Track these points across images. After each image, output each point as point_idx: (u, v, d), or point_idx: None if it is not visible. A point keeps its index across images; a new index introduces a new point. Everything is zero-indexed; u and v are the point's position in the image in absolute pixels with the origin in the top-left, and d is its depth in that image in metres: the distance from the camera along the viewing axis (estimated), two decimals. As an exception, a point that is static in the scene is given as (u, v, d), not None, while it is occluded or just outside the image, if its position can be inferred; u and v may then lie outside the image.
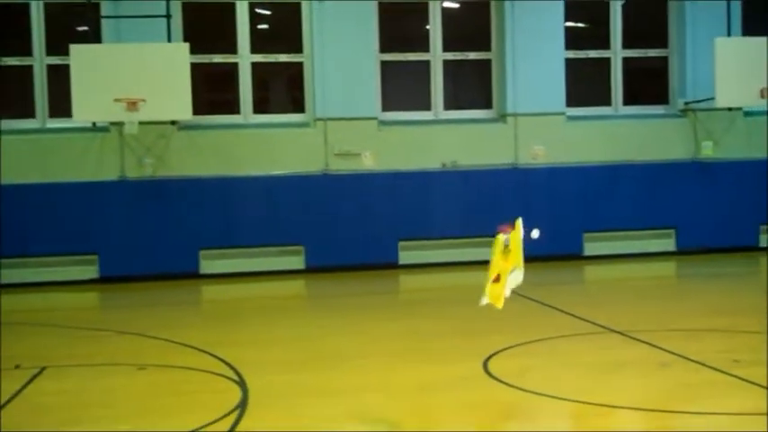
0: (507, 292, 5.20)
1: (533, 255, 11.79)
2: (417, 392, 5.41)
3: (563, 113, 12.01)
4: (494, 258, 5.33)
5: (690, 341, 6.54)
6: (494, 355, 6.23)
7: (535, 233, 5.49)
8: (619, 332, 6.94)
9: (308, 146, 11.47)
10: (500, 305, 5.09)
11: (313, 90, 11.56)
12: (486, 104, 12.22)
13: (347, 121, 11.52)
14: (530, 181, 11.80)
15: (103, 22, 10.99)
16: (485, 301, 5.30)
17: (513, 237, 5.38)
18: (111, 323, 8.25)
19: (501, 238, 5.42)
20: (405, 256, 11.61)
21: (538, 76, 11.86)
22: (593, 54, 12.39)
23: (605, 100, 12.39)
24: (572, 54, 12.17)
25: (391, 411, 5.06)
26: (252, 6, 11.64)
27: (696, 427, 4.54)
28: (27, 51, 11.15)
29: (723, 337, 6.71)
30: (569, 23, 12.18)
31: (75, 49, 10.30)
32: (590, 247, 11.91)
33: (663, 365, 5.82)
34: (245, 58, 11.59)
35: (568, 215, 11.74)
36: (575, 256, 11.78)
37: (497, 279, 5.29)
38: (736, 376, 5.37)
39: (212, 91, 12.06)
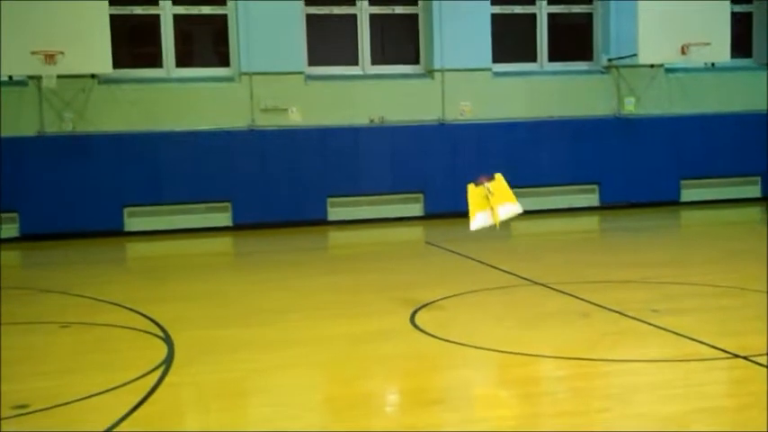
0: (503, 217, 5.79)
1: (460, 210, 12.01)
2: (346, 344, 5.44)
3: (489, 69, 12.08)
4: (471, 203, 5.90)
5: (611, 292, 6.71)
6: (420, 308, 6.29)
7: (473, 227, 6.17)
8: (542, 284, 7.08)
9: (234, 101, 11.33)
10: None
11: (237, 44, 11.38)
12: (414, 60, 12.21)
13: (273, 76, 11.40)
14: (457, 136, 11.88)
15: (19, -29, 10.61)
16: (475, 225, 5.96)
17: (497, 183, 5.96)
18: (34, 281, 8.08)
19: (480, 187, 5.98)
20: (334, 213, 11.62)
21: (465, 32, 11.90)
22: (518, 10, 12.45)
23: (531, 56, 12.49)
24: (498, 9, 12.21)
25: (319, 363, 5.09)
26: (174, -44, 11.37)
27: (617, 375, 4.68)
28: (-63, 1, 10.71)
29: (643, 288, 6.89)
30: (496, -23, 12.21)
31: (-11, -1, 9.95)
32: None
33: (584, 315, 5.96)
34: (166, 10, 11.34)
35: (494, 171, 11.78)
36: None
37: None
38: (654, 325, 5.54)
39: (134, 44, 11.78)
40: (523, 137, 12.04)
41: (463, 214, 11.49)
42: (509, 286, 7.15)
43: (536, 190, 12.10)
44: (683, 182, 12.54)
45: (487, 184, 6.16)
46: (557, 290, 6.84)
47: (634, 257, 8.55)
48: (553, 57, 12.55)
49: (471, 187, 6.24)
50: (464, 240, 10.00)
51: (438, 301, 6.57)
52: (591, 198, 12.34)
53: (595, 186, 12.32)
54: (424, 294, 6.74)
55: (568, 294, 6.63)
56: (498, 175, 6.13)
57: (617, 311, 5.97)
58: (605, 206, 12.30)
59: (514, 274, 7.55)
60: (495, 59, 12.14)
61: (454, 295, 6.77)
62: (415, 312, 6.15)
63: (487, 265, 8.18)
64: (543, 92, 12.20)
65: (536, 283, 7.17)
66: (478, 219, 6.32)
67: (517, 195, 11.80)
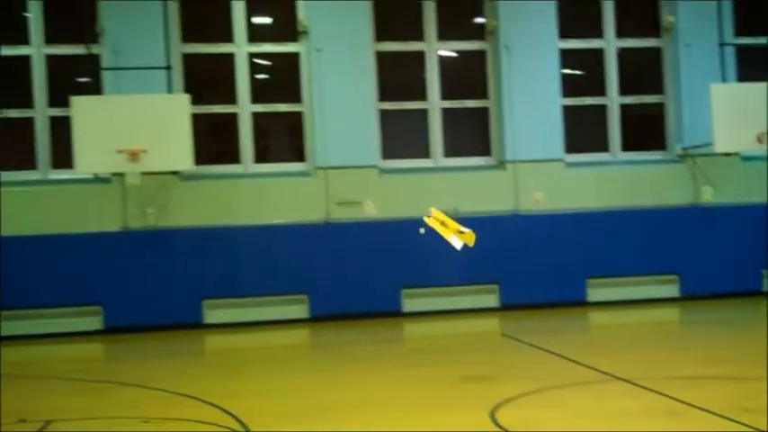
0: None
1: (538, 302, 11.94)
2: (426, 443, 5.37)
3: (562, 160, 12.09)
4: (442, 230, 5.89)
5: (696, 389, 6.51)
6: (500, 404, 6.18)
7: (421, 230, 6.08)
8: (625, 380, 6.91)
9: (309, 195, 11.52)
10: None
11: (313, 139, 11.64)
12: (485, 152, 12.30)
13: (348, 170, 11.59)
14: (530, 227, 11.84)
15: (104, 73, 11.11)
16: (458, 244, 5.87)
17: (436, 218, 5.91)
18: (116, 375, 8.20)
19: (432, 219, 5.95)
20: (408, 304, 11.60)
21: (536, 124, 11.98)
22: (589, 101, 12.51)
23: (603, 146, 12.48)
24: (569, 101, 12.29)
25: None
26: (251, 56, 11.77)
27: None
28: (29, 103, 11.25)
29: (730, 384, 6.68)
30: (566, 71, 12.32)
31: (76, 100, 10.39)
32: (593, 294, 11.90)
33: (670, 415, 5.78)
34: (244, 108, 11.69)
35: (570, 261, 11.77)
36: (578, 302, 11.78)
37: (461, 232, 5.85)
38: (745, 425, 5.34)
39: (213, 141, 12.14)
40: (598, 227, 11.94)
41: (540, 306, 11.51)
42: (591, 382, 6.99)
43: (612, 280, 11.94)
44: (764, 271, 12.22)
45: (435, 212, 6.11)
46: (640, 386, 6.66)
47: (718, 351, 8.31)
48: (626, 146, 12.52)
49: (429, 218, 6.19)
50: (541, 333, 9.89)
51: (518, 397, 6.45)
52: (671, 288, 12.09)
53: (675, 276, 12.08)
54: (502, 390, 6.63)
55: (653, 391, 6.45)
56: (432, 210, 6.05)
57: (705, 409, 5.78)
58: (685, 297, 12.03)
59: (595, 369, 7.39)
60: (568, 150, 12.16)
61: (534, 391, 6.65)
62: (494, 409, 6.05)
63: (566, 358, 8.03)
64: (617, 182, 12.13)
65: (618, 378, 7.00)
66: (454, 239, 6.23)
67: (595, 286, 11.85)
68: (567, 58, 12.34)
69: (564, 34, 12.25)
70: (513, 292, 11.71)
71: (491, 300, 11.79)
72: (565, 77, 12.29)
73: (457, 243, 6.21)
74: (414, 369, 7.98)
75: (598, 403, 6.36)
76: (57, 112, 11.17)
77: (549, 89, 12.13)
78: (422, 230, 6.11)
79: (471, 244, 6.10)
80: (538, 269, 11.75)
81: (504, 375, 7.48)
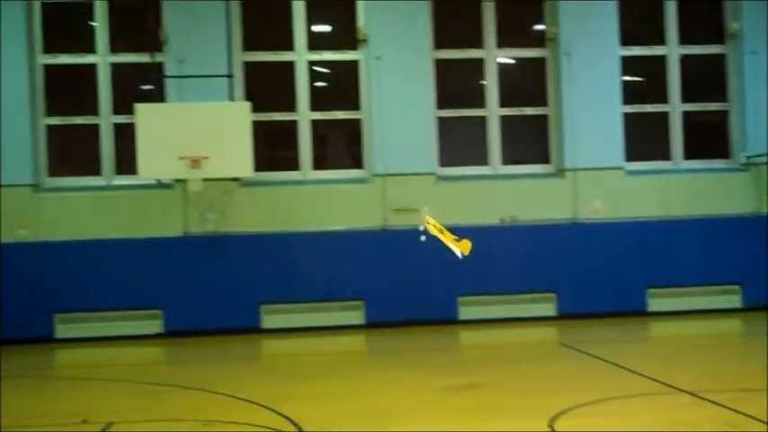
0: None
1: (596, 311, 11.80)
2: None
3: (622, 168, 11.96)
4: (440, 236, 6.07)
5: (759, 402, 6.37)
6: (559, 414, 6.14)
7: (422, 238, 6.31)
8: (686, 391, 6.80)
9: (367, 202, 11.57)
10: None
11: (371, 146, 11.70)
12: (544, 159, 12.22)
13: (405, 177, 11.61)
14: (590, 236, 11.72)
15: (167, 81, 11.31)
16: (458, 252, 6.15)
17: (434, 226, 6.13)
18: (176, 378, 8.34)
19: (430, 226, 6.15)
20: (464, 312, 11.57)
21: (596, 131, 11.87)
22: (650, 108, 12.35)
23: (665, 154, 12.30)
24: (629, 109, 12.15)
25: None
26: (311, 64, 11.88)
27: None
28: (94, 110, 11.51)
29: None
30: (626, 78, 12.19)
31: (140, 108, 10.58)
32: (654, 303, 11.73)
33: (731, 427, 5.68)
34: (304, 116, 11.79)
35: (630, 271, 11.62)
36: (638, 312, 11.62)
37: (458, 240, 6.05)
38: (812, 439, 5.23)
39: (272, 148, 12.26)
40: (659, 236, 11.76)
41: (598, 315, 11.39)
42: (651, 393, 6.89)
43: (673, 290, 11.75)
44: (831, 282, 11.91)
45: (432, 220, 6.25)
46: (701, 397, 6.55)
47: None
48: (688, 154, 12.32)
49: (427, 224, 6.34)
50: (600, 342, 9.79)
51: (576, 408, 6.40)
52: (732, 299, 11.85)
53: (737, 287, 11.84)
54: (561, 399, 6.58)
55: (714, 403, 6.34)
56: (427, 217, 6.17)
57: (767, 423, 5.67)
58: (748, 307, 11.78)
59: (656, 380, 7.29)
60: (629, 158, 12.01)
61: (593, 402, 6.59)
62: (553, 419, 6.00)
63: (626, 369, 7.94)
64: (679, 190, 11.94)
65: (679, 389, 6.89)
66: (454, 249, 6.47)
67: (655, 295, 11.67)
68: (629, 64, 12.20)
69: (625, 41, 12.11)
70: (570, 301, 11.60)
71: (548, 308, 11.70)
72: (626, 84, 12.15)
73: (457, 251, 6.39)
74: (470, 377, 7.96)
75: (659, 414, 6.28)
76: (121, 119, 11.40)
77: (610, 96, 12.00)
78: (422, 238, 6.31)
79: (467, 253, 6.34)
80: (597, 278, 11.62)
81: (563, 385, 7.42)
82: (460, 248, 6.38)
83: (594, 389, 7.06)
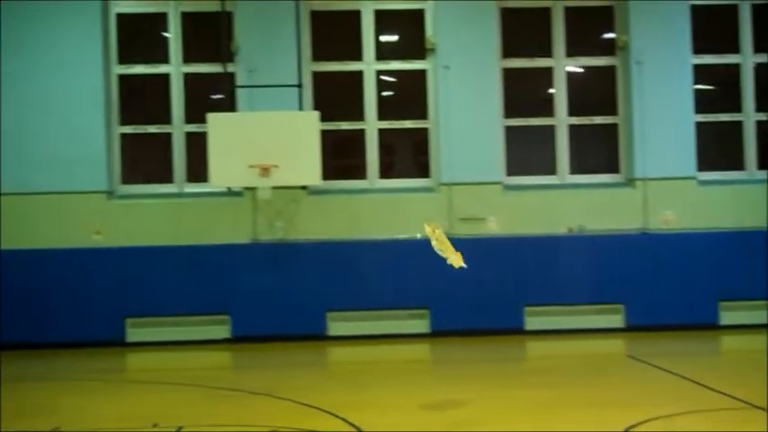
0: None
1: (665, 323, 11.61)
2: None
3: (694, 178, 11.74)
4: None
5: (838, 420, 6.20)
6: (630, 429, 6.04)
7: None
8: (760, 408, 6.64)
9: (433, 210, 11.55)
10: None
11: (438, 155, 11.71)
12: (613, 168, 12.07)
13: (472, 186, 11.59)
14: (660, 247, 11.53)
15: (238, 91, 11.50)
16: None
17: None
18: (243, 383, 8.44)
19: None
20: (531, 322, 11.48)
21: (667, 140, 11.68)
22: (724, 117, 12.11)
23: (738, 164, 12.05)
24: (702, 118, 11.93)
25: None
26: (378, 74, 11.95)
27: None
28: (167, 120, 11.75)
29: None
30: (698, 86, 11.98)
31: (212, 117, 10.77)
32: (725, 317, 11.48)
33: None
34: (371, 125, 11.86)
35: (702, 283, 11.39)
36: (710, 325, 11.39)
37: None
38: None
39: (340, 156, 12.36)
40: (731, 247, 11.50)
41: (667, 328, 11.19)
42: (724, 408, 6.75)
43: (745, 303, 11.47)
44: None
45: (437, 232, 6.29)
46: (777, 415, 6.39)
47: None
48: (762, 164, 12.03)
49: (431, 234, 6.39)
50: (670, 356, 9.62)
51: (647, 422, 6.29)
52: (812, 314, 11.53)
53: (814, 301, 11.53)
54: (631, 414, 6.48)
55: (791, 421, 6.18)
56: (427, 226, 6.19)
57: None
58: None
59: (729, 395, 7.13)
60: (701, 167, 11.79)
61: (663, 417, 6.47)
62: (623, 433, 5.92)
63: (698, 383, 7.78)
64: (752, 201, 11.66)
65: (752, 405, 6.73)
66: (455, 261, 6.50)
67: (727, 309, 11.42)
68: (701, 73, 11.99)
69: (698, 49, 11.90)
70: (639, 313, 11.43)
71: (616, 320, 11.53)
72: (698, 93, 11.93)
73: (456, 262, 6.44)
74: (536, 389, 7.89)
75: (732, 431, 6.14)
76: (193, 128, 11.62)
77: (682, 105, 11.80)
78: (419, 235, 6.56)
79: (457, 266, 6.45)
80: (666, 290, 11.42)
81: (632, 399, 7.31)
82: (458, 261, 6.55)
83: (664, 403, 6.94)
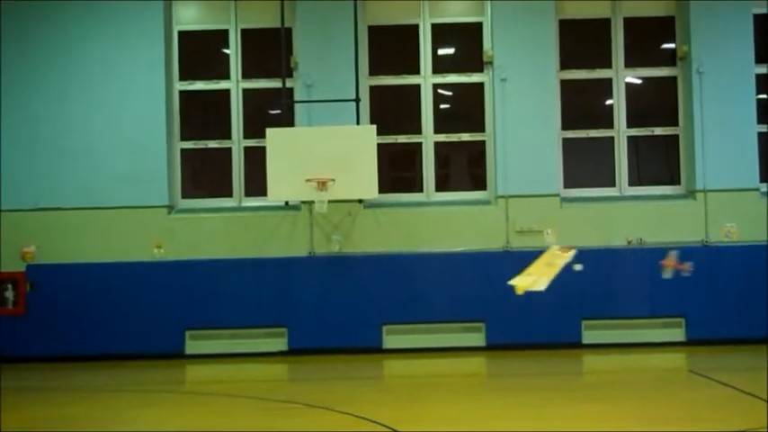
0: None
1: (727, 337, 11.39)
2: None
3: (757, 189, 11.51)
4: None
5: None
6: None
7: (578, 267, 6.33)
8: (827, 426, 6.47)
9: (490, 223, 11.53)
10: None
11: (494, 168, 11.67)
12: (673, 180, 11.91)
13: (529, 198, 11.53)
14: (722, 259, 11.31)
15: (296, 106, 11.63)
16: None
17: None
18: (300, 396, 8.49)
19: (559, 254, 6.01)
20: (588, 336, 11.36)
21: (729, 151, 11.49)
22: (788, 127, 11.86)
23: (805, 175, 11.78)
24: (764, 128, 11.70)
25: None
26: (435, 87, 11.97)
27: None
28: (226, 135, 11.93)
29: None
30: (761, 96, 11.75)
31: (270, 132, 10.90)
32: (790, 331, 11.22)
33: None
34: (428, 138, 11.88)
35: (763, 296, 11.13)
36: (772, 339, 11.16)
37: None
38: None
39: (396, 169, 12.40)
40: (796, 260, 11.25)
41: (730, 342, 10.96)
42: (788, 426, 6.58)
43: (811, 317, 11.19)
44: None
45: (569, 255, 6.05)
46: (844, 433, 6.21)
47: None
48: (829, 176, 11.75)
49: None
50: (732, 370, 9.42)
51: (708, 438, 6.18)
52: None
53: None
54: (692, 430, 6.37)
55: None
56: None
57: None
58: None
59: (793, 413, 6.95)
60: (763, 179, 11.56)
61: (726, 433, 6.35)
62: (681, 450, 5.82)
63: (760, 398, 7.60)
64: (818, 212, 11.39)
65: (819, 423, 6.56)
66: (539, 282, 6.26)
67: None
68: (764, 82, 11.76)
69: (761, 58, 11.68)
70: (700, 327, 11.22)
71: (677, 334, 11.34)
72: (761, 103, 11.70)
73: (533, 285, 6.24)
74: (595, 404, 7.80)
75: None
76: (252, 142, 11.78)
77: (745, 115, 11.59)
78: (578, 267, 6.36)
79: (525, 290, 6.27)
80: (728, 303, 11.20)
81: (694, 415, 7.17)
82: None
83: (728, 419, 6.80)
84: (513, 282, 6.34)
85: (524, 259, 11.27)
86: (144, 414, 7.88)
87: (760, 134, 11.64)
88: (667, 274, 6.98)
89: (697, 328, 11.25)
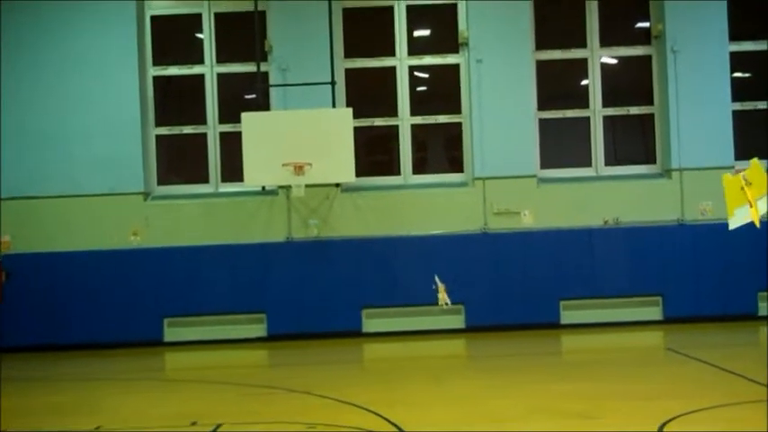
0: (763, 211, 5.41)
1: (704, 315, 11.44)
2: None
3: (732, 167, 11.56)
4: (728, 197, 5.51)
5: None
6: (669, 421, 5.98)
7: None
8: (803, 399, 6.54)
9: (467, 205, 11.54)
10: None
11: (471, 149, 11.66)
12: (649, 159, 11.95)
13: (506, 180, 11.54)
14: (698, 238, 11.39)
15: (272, 90, 11.55)
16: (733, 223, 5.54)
17: (754, 171, 5.48)
18: (280, 381, 8.48)
19: (736, 177, 5.59)
20: (567, 316, 11.41)
21: (704, 130, 11.54)
22: (762, 105, 11.92)
23: (779, 152, 11.85)
24: (739, 106, 11.76)
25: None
26: (412, 69, 11.93)
27: None
28: (201, 120, 11.83)
29: None
30: (736, 74, 11.80)
31: (246, 116, 10.82)
32: (765, 308, 11.31)
33: None
34: (404, 121, 11.85)
35: (740, 274, 11.23)
36: (749, 316, 11.24)
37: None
38: None
39: (373, 153, 12.37)
40: (771, 237, 11.34)
41: (706, 319, 11.06)
42: (764, 401, 6.64)
43: (787, 293, 11.31)
44: None
45: (743, 173, 5.62)
46: (820, 406, 6.28)
47: None
48: (802, 152, 11.83)
49: (727, 178, 5.70)
50: (709, 347, 9.51)
51: (687, 414, 6.22)
52: None
53: None
54: (670, 407, 6.42)
55: (834, 412, 6.07)
56: (755, 162, 5.45)
57: None
58: None
59: (769, 387, 7.03)
60: (739, 157, 11.62)
61: (704, 408, 6.40)
62: (663, 426, 5.86)
63: (737, 374, 7.68)
64: (793, 190, 11.46)
65: (794, 397, 6.63)
66: (737, 216, 5.79)
67: (765, 299, 11.24)
68: (738, 60, 11.81)
69: (735, 36, 11.72)
70: (677, 305, 11.31)
71: (654, 312, 11.42)
72: (736, 81, 11.75)
73: (739, 218, 5.81)
74: (573, 383, 7.85)
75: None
76: (227, 128, 11.70)
77: (719, 94, 11.65)
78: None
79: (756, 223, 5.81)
80: (705, 281, 11.29)
81: (672, 391, 7.24)
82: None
83: (705, 395, 6.87)
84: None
85: (502, 241, 11.43)
86: (123, 402, 7.84)
87: (734, 112, 11.70)
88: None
89: (674, 306, 11.34)
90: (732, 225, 5.63)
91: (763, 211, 5.48)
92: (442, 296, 7.30)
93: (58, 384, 8.93)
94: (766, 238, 11.27)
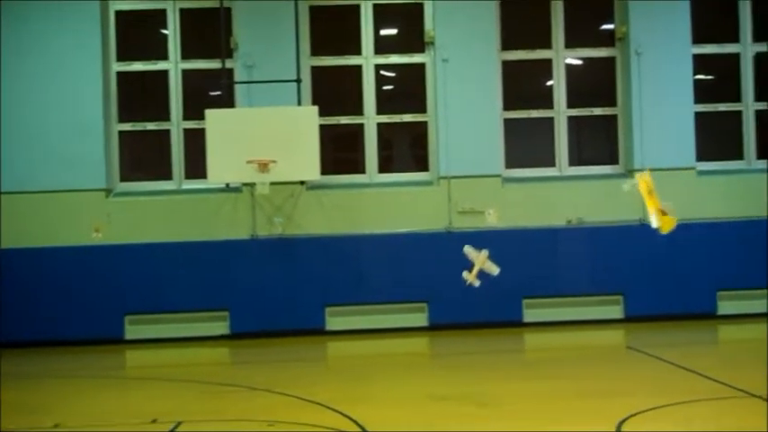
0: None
1: (664, 314, 11.58)
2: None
3: (693, 168, 11.72)
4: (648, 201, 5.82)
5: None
6: (628, 418, 6.04)
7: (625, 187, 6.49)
8: (759, 397, 6.63)
9: (432, 204, 11.56)
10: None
11: (437, 149, 11.69)
12: (613, 160, 12.06)
13: (471, 179, 11.57)
14: (659, 238, 11.45)
15: (236, 87, 11.50)
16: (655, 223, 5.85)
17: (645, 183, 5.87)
18: (242, 379, 8.45)
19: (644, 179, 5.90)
20: (530, 314, 11.48)
21: (666, 131, 11.66)
22: (723, 107, 12.08)
23: (738, 154, 12.02)
24: (701, 107, 11.91)
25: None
26: (377, 68, 11.93)
27: None
28: (165, 116, 11.74)
29: None
30: (698, 76, 11.95)
31: (210, 113, 10.76)
32: (724, 307, 11.47)
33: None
34: (370, 119, 11.84)
35: (701, 273, 11.38)
36: (708, 315, 11.39)
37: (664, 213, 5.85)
38: None
39: (338, 151, 12.34)
40: (730, 238, 11.48)
41: (667, 318, 11.19)
42: (722, 398, 6.75)
43: (747, 292, 11.45)
44: None
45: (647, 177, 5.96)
46: (774, 404, 6.38)
47: None
48: (762, 154, 12.00)
49: (639, 178, 6.00)
50: (669, 346, 9.62)
51: (644, 412, 6.29)
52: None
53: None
54: (629, 404, 6.49)
55: (788, 409, 6.17)
56: (645, 175, 5.76)
57: None
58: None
59: (726, 384, 7.13)
60: (700, 158, 11.78)
61: (662, 406, 6.47)
62: (621, 424, 5.91)
63: (696, 372, 7.78)
64: (752, 191, 11.63)
65: (750, 394, 6.72)
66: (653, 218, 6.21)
67: (727, 298, 11.40)
68: (701, 63, 11.95)
69: (697, 39, 11.87)
70: (638, 304, 11.43)
71: (615, 311, 11.53)
72: (698, 83, 11.90)
73: (654, 222, 6.12)
74: (535, 381, 7.91)
75: (729, 420, 6.14)
76: (191, 124, 11.62)
77: (682, 95, 11.77)
78: (626, 187, 6.29)
79: (665, 231, 6.12)
80: (665, 281, 11.41)
81: (631, 389, 7.31)
82: (663, 223, 6.15)
83: (663, 393, 6.94)
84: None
85: (466, 240, 11.41)
86: (82, 400, 7.77)
87: (697, 114, 11.83)
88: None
89: (635, 305, 11.45)
90: (654, 224, 6.01)
91: (654, 225, 5.91)
92: (477, 269, 7.09)
93: (16, 382, 8.81)
94: (725, 239, 11.50)
